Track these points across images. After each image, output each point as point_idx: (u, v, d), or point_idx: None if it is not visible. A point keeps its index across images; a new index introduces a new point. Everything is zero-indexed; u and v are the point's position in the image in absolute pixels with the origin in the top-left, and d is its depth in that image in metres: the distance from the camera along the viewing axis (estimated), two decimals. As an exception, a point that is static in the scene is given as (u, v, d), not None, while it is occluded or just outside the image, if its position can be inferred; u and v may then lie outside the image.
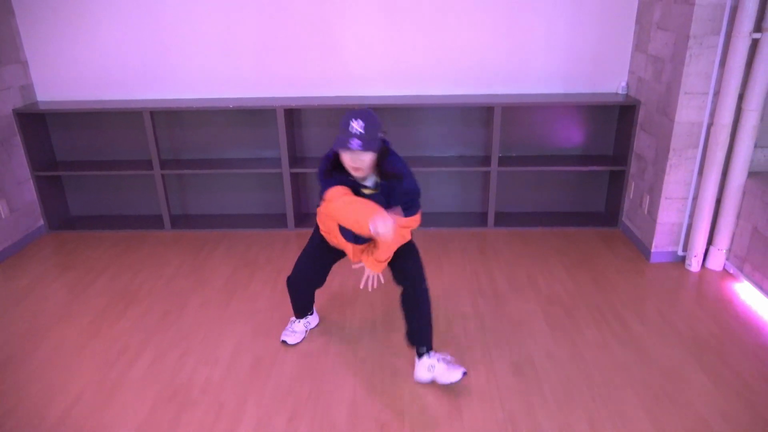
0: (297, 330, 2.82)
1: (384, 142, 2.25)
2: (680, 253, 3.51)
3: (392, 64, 3.95)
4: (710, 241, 3.43)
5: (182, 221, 4.27)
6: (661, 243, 3.51)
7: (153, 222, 4.26)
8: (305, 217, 4.31)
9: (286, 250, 3.83)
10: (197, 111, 4.04)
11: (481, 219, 4.18)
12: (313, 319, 2.91)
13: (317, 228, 2.61)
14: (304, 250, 2.65)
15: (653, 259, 3.54)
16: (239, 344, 2.83)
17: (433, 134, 4.11)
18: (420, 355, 2.48)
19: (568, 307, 3.08)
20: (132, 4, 3.82)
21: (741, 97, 3.09)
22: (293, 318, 2.86)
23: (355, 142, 2.10)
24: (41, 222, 4.15)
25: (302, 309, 2.81)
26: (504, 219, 4.17)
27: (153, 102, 3.96)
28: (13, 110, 3.83)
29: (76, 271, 3.61)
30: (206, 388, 2.52)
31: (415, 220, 2.38)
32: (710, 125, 3.20)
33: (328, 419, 2.32)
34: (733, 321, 2.92)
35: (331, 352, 2.75)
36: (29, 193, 4.02)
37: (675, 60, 3.20)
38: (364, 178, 2.29)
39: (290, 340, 2.79)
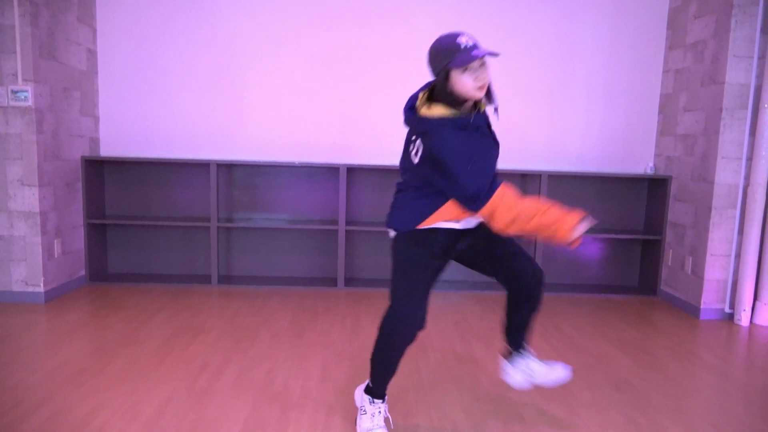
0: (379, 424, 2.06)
1: None
2: (727, 310, 3.68)
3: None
4: (756, 297, 3.63)
5: (227, 281, 4.22)
6: (709, 300, 3.68)
7: (198, 280, 4.20)
8: (351, 280, 4.33)
9: (340, 303, 3.81)
10: (262, 166, 4.24)
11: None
12: (384, 408, 2.10)
13: (406, 246, 1.96)
14: (398, 279, 1.96)
15: (703, 316, 3.68)
16: (325, 364, 2.73)
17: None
18: (512, 357, 2.14)
19: (644, 348, 3.13)
20: (205, 76, 4.18)
21: (770, 162, 3.51)
22: (365, 407, 2.07)
23: (481, 50, 1.72)
24: (83, 272, 4.04)
25: (388, 375, 2.03)
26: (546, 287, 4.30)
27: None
28: (81, 157, 3.94)
29: (129, 310, 3.48)
30: (306, 394, 2.40)
31: None
32: (746, 186, 3.58)
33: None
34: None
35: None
36: (79, 240, 3.97)
37: (708, 132, 3.66)
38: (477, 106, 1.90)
39: None
